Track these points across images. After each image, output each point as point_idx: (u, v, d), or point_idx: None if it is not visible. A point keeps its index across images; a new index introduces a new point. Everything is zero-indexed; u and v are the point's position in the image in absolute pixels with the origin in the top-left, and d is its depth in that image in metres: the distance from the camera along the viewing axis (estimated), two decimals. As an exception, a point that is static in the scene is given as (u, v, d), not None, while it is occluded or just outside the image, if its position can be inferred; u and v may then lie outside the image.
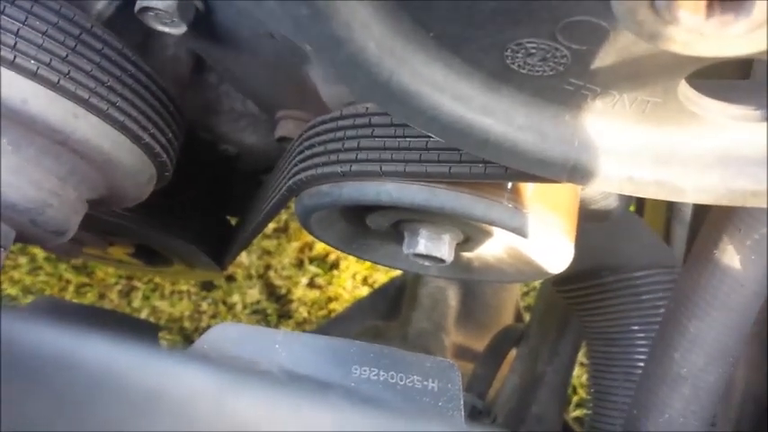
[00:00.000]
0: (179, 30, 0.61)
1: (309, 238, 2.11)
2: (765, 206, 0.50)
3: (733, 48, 0.32)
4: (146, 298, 2.10)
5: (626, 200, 0.71)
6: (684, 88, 0.40)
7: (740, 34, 0.30)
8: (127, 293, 2.10)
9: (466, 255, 0.70)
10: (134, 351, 0.19)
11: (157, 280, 2.09)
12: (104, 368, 0.18)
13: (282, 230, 2.17)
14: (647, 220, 1.26)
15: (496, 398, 1.15)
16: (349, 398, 0.20)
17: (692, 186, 0.44)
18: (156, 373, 0.18)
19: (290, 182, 0.63)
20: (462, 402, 0.61)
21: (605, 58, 0.37)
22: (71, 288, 2.06)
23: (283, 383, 0.20)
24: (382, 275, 2.06)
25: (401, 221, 0.64)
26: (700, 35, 0.31)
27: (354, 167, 0.57)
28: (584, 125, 0.44)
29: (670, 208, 1.25)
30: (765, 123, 0.41)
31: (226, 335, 0.61)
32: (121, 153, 0.61)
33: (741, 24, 0.30)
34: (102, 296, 2.08)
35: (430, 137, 0.48)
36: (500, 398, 1.13)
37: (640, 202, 1.33)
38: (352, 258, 2.10)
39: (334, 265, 2.13)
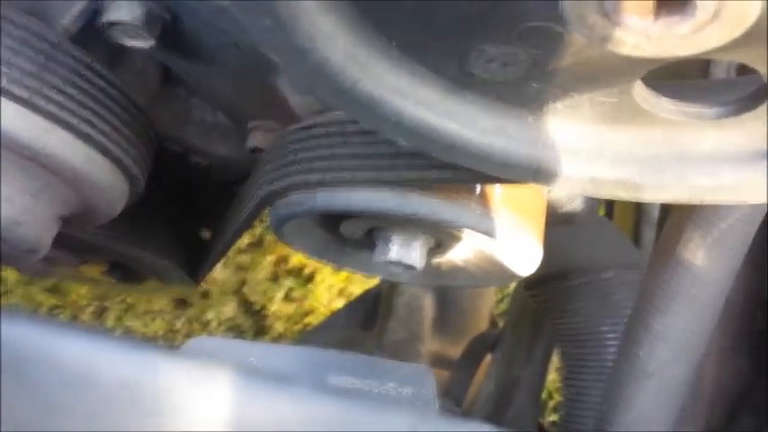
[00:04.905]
0: (147, 43, 0.62)
1: (284, 251, 2.12)
2: (722, 202, 0.52)
3: (680, 48, 0.33)
4: (119, 318, 2.08)
5: (591, 203, 0.72)
6: (640, 89, 0.42)
7: (686, 35, 0.32)
8: (100, 314, 2.08)
9: (437, 261, 0.71)
10: (110, 344, 0.19)
11: (130, 300, 2.08)
12: (82, 362, 0.19)
13: (257, 245, 2.16)
14: (617, 223, 1.28)
15: (473, 404, 1.16)
16: (315, 388, 0.21)
17: (651, 184, 0.45)
18: (132, 366, 0.19)
19: (264, 192, 0.63)
20: (437, 406, 0.62)
21: (562, 61, 0.39)
22: (43, 310, 2.03)
23: (253, 376, 0.20)
24: (358, 287, 2.06)
25: (374, 229, 0.65)
26: (647, 37, 0.32)
27: (327, 176, 0.58)
28: (546, 127, 0.45)
29: (639, 211, 1.28)
30: (718, 121, 0.42)
31: (201, 349, 0.62)
32: (93, 168, 0.61)
33: (686, 25, 0.31)
34: (74, 318, 2.06)
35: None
36: (477, 404, 1.14)
37: (609, 206, 1.36)
38: (327, 271, 2.10)
39: (310, 279, 2.13)
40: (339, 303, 2.06)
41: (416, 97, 0.43)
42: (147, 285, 1.10)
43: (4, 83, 0.54)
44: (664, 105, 0.43)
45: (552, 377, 1.63)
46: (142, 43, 0.62)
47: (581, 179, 0.46)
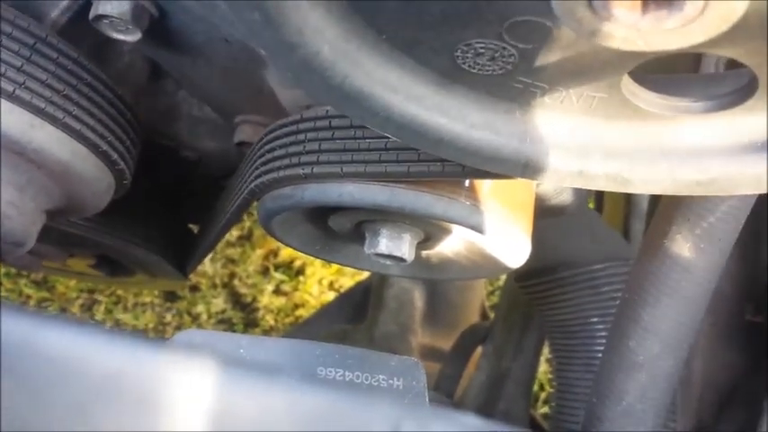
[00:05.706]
0: (134, 37, 0.62)
1: (274, 244, 2.12)
2: (711, 195, 0.52)
3: (669, 42, 0.33)
4: (108, 311, 2.07)
5: (580, 195, 0.72)
6: (628, 83, 0.42)
7: (674, 29, 0.32)
8: (89, 307, 2.07)
9: (426, 253, 0.71)
10: (97, 336, 0.19)
11: (120, 292, 2.07)
12: (68, 354, 0.19)
13: (246, 238, 2.16)
14: (607, 217, 1.29)
15: (464, 396, 1.16)
16: (302, 379, 0.21)
17: (640, 178, 0.45)
18: (119, 357, 0.19)
19: (252, 185, 0.63)
20: (427, 399, 0.62)
21: (550, 55, 0.39)
22: (32, 303, 2.02)
23: (241, 368, 0.21)
24: (348, 280, 2.07)
25: (362, 222, 0.65)
26: (636, 31, 0.32)
27: (316, 169, 0.58)
28: (534, 121, 0.45)
29: (628, 204, 1.28)
30: (707, 115, 0.43)
31: (191, 341, 0.62)
32: (79, 162, 0.61)
33: (675, 19, 0.31)
34: (63, 311, 2.05)
35: (389, 137, 0.49)
36: (467, 396, 1.14)
37: (600, 199, 1.36)
38: (317, 263, 2.10)
39: (300, 271, 2.13)
40: (330, 296, 2.06)
41: (406, 92, 0.43)
42: (136, 279, 1.10)
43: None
44: (652, 100, 0.43)
45: (544, 368, 1.64)
46: (129, 37, 0.62)
47: (570, 173, 0.46)
